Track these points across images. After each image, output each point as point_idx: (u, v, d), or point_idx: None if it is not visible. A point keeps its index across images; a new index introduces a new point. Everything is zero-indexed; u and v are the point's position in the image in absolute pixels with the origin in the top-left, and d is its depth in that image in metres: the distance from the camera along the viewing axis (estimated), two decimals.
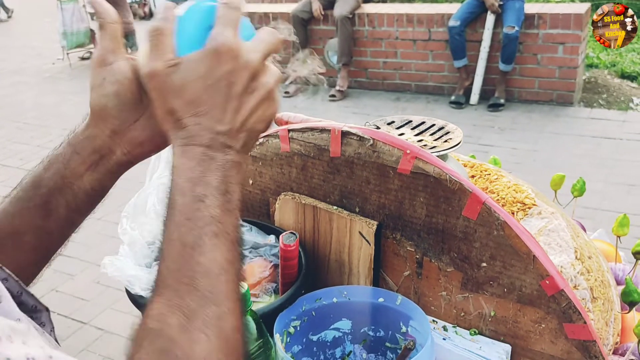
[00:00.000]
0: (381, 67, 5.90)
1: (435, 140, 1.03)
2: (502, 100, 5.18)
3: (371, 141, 0.94)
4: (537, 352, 0.88)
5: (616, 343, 0.99)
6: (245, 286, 0.80)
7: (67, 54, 7.83)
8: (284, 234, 0.97)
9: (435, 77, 5.68)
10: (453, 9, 5.53)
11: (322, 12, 5.89)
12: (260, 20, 6.12)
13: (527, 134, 4.63)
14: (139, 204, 1.02)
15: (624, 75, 5.75)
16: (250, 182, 1.15)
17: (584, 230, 1.20)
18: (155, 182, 1.03)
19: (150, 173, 1.04)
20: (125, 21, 7.74)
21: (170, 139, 0.56)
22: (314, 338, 0.99)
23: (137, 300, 0.90)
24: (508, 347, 0.90)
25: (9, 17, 12.42)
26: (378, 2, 6.61)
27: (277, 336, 0.89)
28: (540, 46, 5.08)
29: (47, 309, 0.55)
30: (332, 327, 1.00)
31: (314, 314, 0.97)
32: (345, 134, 0.96)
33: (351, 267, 1.02)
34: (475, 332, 0.92)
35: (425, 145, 1.01)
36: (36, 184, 0.64)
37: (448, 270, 0.93)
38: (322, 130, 0.99)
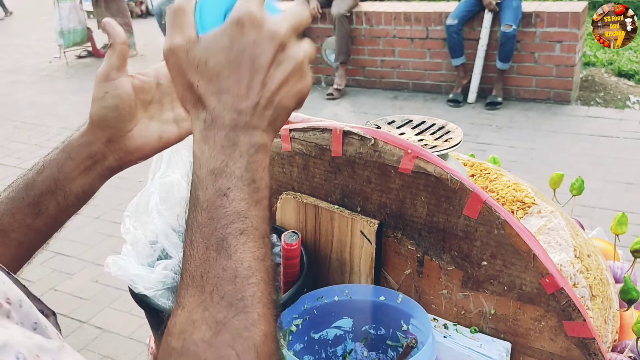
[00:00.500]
0: (379, 66, 5.90)
1: (436, 139, 1.04)
2: (499, 99, 5.19)
3: (372, 141, 0.94)
4: (537, 349, 0.89)
5: (615, 340, 1.00)
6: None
7: (64, 52, 7.81)
8: (285, 233, 0.98)
9: (433, 76, 5.68)
10: (451, 7, 5.54)
11: (320, 11, 5.89)
12: None
13: (524, 132, 4.64)
14: (141, 204, 1.02)
15: (621, 74, 5.77)
16: None
17: (583, 228, 1.21)
18: (157, 182, 1.04)
19: (153, 172, 1.05)
20: (124, 22, 7.74)
21: (192, 122, 0.53)
22: (316, 336, 1.00)
23: (140, 299, 0.91)
24: (508, 345, 0.90)
25: (7, 15, 12.39)
26: (375, 0, 6.61)
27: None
28: (538, 44, 5.09)
29: (54, 313, 0.55)
30: (333, 325, 1.00)
31: (315, 312, 0.98)
32: (346, 134, 0.97)
33: (352, 265, 1.03)
34: (475, 330, 0.93)
35: (426, 144, 1.01)
36: (29, 186, 0.69)
37: (449, 268, 0.94)
38: (324, 129, 1.00)
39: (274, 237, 1.07)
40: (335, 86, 5.83)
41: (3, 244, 0.67)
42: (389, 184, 0.95)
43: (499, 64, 5.12)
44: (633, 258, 1.08)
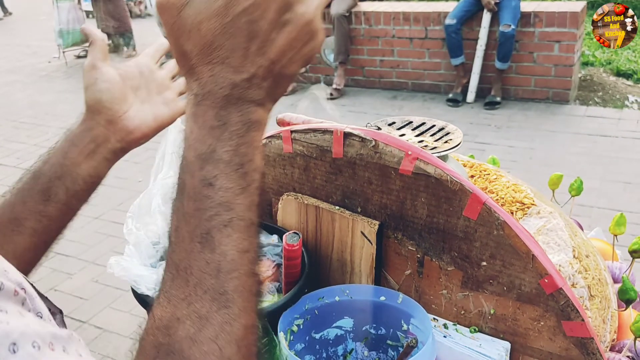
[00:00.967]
0: (378, 66, 5.91)
1: (436, 141, 1.05)
2: (498, 99, 5.20)
3: (373, 142, 0.95)
4: (536, 349, 0.90)
5: (613, 340, 1.01)
6: None
7: (63, 52, 7.81)
8: (287, 234, 0.99)
9: (432, 76, 5.69)
10: (449, 7, 5.54)
11: None
12: None
13: (523, 132, 4.65)
14: (143, 205, 1.03)
15: (619, 73, 5.78)
16: None
17: (582, 229, 1.22)
18: (159, 183, 1.04)
19: (155, 173, 1.05)
20: (123, 21, 7.74)
21: (187, 91, 0.49)
22: (317, 336, 1.00)
23: (143, 300, 0.92)
24: (507, 345, 0.91)
25: (6, 15, 12.38)
26: (374, 0, 6.61)
27: (281, 334, 0.90)
28: (537, 44, 5.10)
29: (60, 312, 0.56)
30: (334, 325, 1.01)
31: (316, 312, 0.99)
32: (347, 135, 0.98)
33: (353, 266, 1.04)
34: (475, 329, 0.94)
35: (426, 146, 1.02)
36: (36, 175, 0.72)
37: (449, 269, 0.94)
38: (325, 131, 1.01)
39: (276, 237, 1.08)
40: (334, 86, 5.84)
41: (18, 233, 0.69)
42: (389, 185, 0.96)
43: (498, 64, 5.13)
44: (631, 258, 1.09)
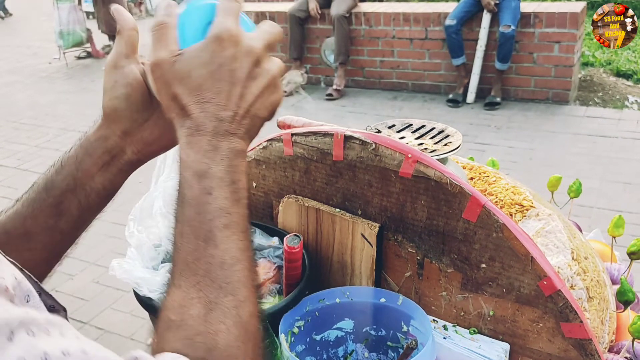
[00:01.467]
0: (378, 66, 5.92)
1: (436, 143, 1.05)
2: (498, 99, 5.21)
3: (373, 145, 0.96)
4: (535, 350, 0.90)
5: (611, 341, 1.01)
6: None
7: (64, 53, 7.82)
8: (287, 236, 0.99)
9: (432, 76, 5.70)
10: (449, 7, 5.55)
11: (319, 11, 5.90)
12: (257, 19, 6.13)
13: (523, 133, 4.66)
14: (145, 207, 1.04)
15: (619, 74, 5.79)
16: (254, 185, 1.17)
17: (580, 230, 1.22)
18: (161, 185, 1.05)
19: (156, 176, 1.06)
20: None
21: (176, 129, 0.56)
22: (318, 338, 1.01)
23: (145, 302, 0.92)
24: (507, 346, 0.92)
25: (6, 16, 12.39)
26: (375, 1, 6.63)
27: (282, 336, 0.91)
28: (536, 45, 5.11)
29: (64, 309, 0.57)
30: (335, 326, 1.02)
31: (317, 314, 0.99)
32: (347, 138, 0.99)
33: (353, 268, 1.04)
34: (474, 331, 0.95)
35: (425, 148, 1.03)
36: (48, 186, 0.67)
37: (448, 271, 0.95)
38: (325, 134, 1.01)
39: (277, 239, 1.09)
40: (334, 87, 5.85)
41: (28, 248, 0.66)
42: (389, 188, 0.97)
43: (498, 65, 5.14)
44: (630, 260, 1.10)
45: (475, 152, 4.27)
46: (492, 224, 0.88)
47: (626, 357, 0.96)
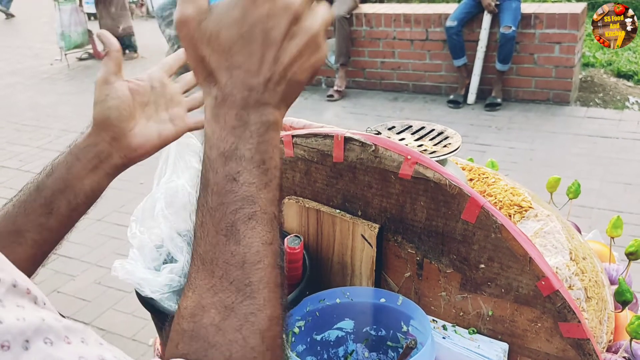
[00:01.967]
0: (379, 67, 5.93)
1: (435, 145, 1.06)
2: (499, 100, 5.21)
3: (373, 147, 0.97)
4: (533, 350, 0.91)
5: (610, 341, 1.02)
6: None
7: (65, 54, 7.84)
8: (288, 237, 1.00)
9: (433, 77, 5.71)
10: (450, 9, 5.56)
11: None
12: None
13: (524, 133, 4.66)
14: (147, 209, 1.05)
15: (620, 74, 5.79)
16: None
17: (579, 231, 1.23)
18: (163, 187, 1.06)
19: (158, 178, 1.07)
20: (125, 24, 7.77)
21: (204, 97, 0.52)
22: (318, 338, 1.02)
23: (147, 303, 0.93)
24: (505, 346, 0.93)
25: (8, 17, 12.42)
26: (375, 2, 6.63)
27: None
28: (537, 46, 5.11)
29: (62, 316, 0.57)
30: (335, 327, 1.03)
31: (317, 314, 1.00)
32: (347, 140, 0.99)
33: (354, 268, 1.05)
34: (473, 331, 0.96)
35: (425, 150, 1.04)
36: (40, 187, 0.74)
37: (447, 271, 0.96)
38: (326, 136, 1.02)
39: None
40: (335, 88, 5.86)
41: (19, 244, 0.71)
42: (389, 189, 0.98)
43: (499, 65, 5.14)
44: (628, 260, 1.10)
45: (476, 153, 4.27)
46: (490, 224, 0.88)
47: (624, 357, 0.97)
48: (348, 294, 1.01)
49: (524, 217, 1.03)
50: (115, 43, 0.77)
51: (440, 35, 5.46)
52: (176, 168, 1.06)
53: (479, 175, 1.16)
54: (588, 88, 5.52)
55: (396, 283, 1.04)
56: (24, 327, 0.35)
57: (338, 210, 1.05)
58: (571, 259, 0.98)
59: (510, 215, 1.04)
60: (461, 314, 0.97)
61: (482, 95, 5.31)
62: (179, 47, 0.72)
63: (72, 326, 0.38)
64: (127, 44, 7.91)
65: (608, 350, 1.00)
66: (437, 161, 0.97)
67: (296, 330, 0.98)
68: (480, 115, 5.13)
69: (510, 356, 0.93)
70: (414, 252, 0.99)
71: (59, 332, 0.37)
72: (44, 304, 0.40)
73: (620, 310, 1.04)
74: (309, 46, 0.50)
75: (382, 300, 0.99)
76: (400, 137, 1.11)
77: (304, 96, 5.98)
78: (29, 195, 0.73)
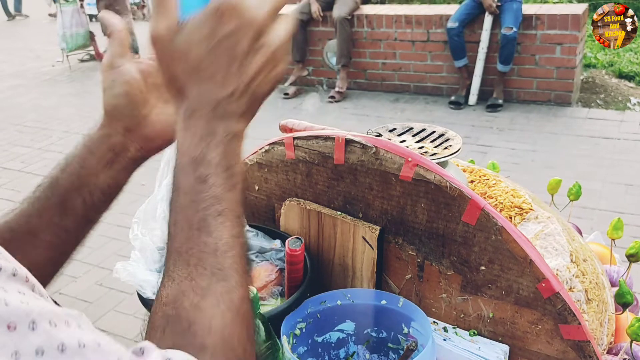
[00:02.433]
0: (380, 68, 5.93)
1: (436, 147, 1.06)
2: (500, 101, 5.21)
3: (374, 149, 0.97)
4: (533, 352, 0.91)
5: (610, 343, 1.02)
6: (254, 290, 0.83)
7: (67, 56, 7.85)
8: (289, 239, 1.01)
9: (434, 78, 5.71)
10: (451, 10, 5.56)
11: (321, 14, 5.92)
12: None
13: (525, 135, 4.66)
14: (149, 210, 1.05)
15: (621, 75, 5.79)
16: (257, 188, 1.18)
17: (580, 233, 1.23)
18: (165, 188, 1.06)
19: (160, 179, 1.07)
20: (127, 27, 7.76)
21: (175, 109, 0.55)
22: (319, 339, 1.02)
23: (149, 304, 0.94)
24: (506, 348, 0.93)
25: (9, 19, 12.45)
26: (377, 3, 6.64)
27: (284, 338, 0.92)
28: (538, 47, 5.11)
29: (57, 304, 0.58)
30: (336, 328, 1.03)
31: (319, 316, 1.00)
32: (349, 142, 1.00)
33: (355, 270, 1.06)
34: (474, 333, 0.96)
35: (426, 152, 1.04)
36: (53, 185, 0.68)
37: (448, 273, 0.96)
38: (327, 138, 1.03)
39: (279, 242, 1.10)
40: (336, 89, 5.86)
41: (33, 247, 0.67)
42: (390, 191, 0.98)
43: (500, 67, 5.15)
44: (628, 262, 1.10)
45: (477, 154, 4.27)
46: (491, 227, 0.89)
47: (625, 359, 0.97)
48: (349, 295, 1.01)
49: (524, 219, 1.03)
50: (117, 23, 0.70)
51: (442, 37, 5.46)
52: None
53: (479, 177, 1.16)
54: (589, 89, 5.52)
55: (397, 285, 1.04)
56: (28, 309, 0.37)
57: (339, 212, 1.05)
58: (572, 261, 0.98)
59: (510, 217, 1.04)
60: (462, 315, 0.97)
61: (483, 97, 5.32)
62: None
63: (70, 312, 0.40)
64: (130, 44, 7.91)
65: (608, 352, 1.00)
66: (437, 163, 0.97)
67: (297, 332, 0.98)
68: (482, 116, 5.13)
69: (510, 358, 0.94)
70: (414, 254, 0.99)
71: (59, 315, 0.38)
72: (41, 295, 0.41)
73: (620, 312, 1.04)
74: (271, 60, 0.54)
75: (383, 302, 1.00)
76: (401, 139, 1.11)
77: (305, 98, 5.99)
78: (42, 193, 0.68)
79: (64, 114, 6.08)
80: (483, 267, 0.92)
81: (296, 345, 0.98)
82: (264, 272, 1.04)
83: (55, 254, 0.70)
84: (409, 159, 0.94)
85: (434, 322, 0.99)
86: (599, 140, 4.44)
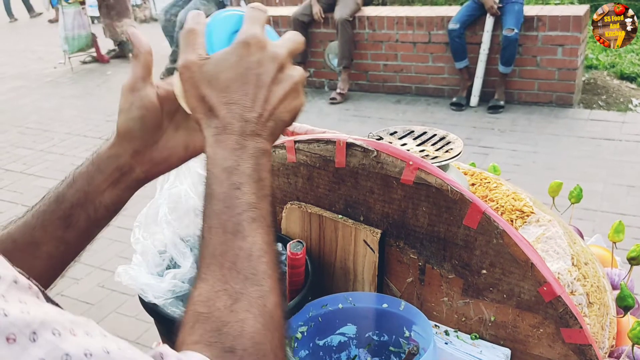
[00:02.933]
0: (381, 70, 5.93)
1: (437, 150, 1.07)
2: (501, 102, 5.21)
3: (375, 153, 0.97)
4: (535, 355, 0.91)
5: (612, 346, 1.02)
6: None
7: (69, 58, 7.86)
8: (291, 242, 1.01)
9: (435, 80, 5.71)
10: (453, 11, 5.56)
11: (323, 15, 5.92)
12: None
13: (526, 136, 4.66)
14: (150, 214, 1.05)
15: (623, 77, 5.78)
16: None
17: (581, 235, 1.23)
18: (166, 193, 1.07)
19: (161, 184, 1.08)
20: (127, 29, 7.79)
21: (203, 129, 0.59)
22: (321, 343, 1.02)
23: (150, 308, 0.94)
24: (508, 351, 0.93)
25: (11, 21, 12.48)
26: (378, 4, 6.64)
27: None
28: (540, 48, 5.11)
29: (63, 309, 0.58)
30: (337, 332, 1.03)
31: (320, 319, 1.01)
32: (350, 146, 1.00)
33: (356, 274, 1.06)
34: (476, 336, 0.96)
35: (427, 155, 1.04)
36: (59, 199, 0.70)
37: (449, 277, 0.96)
38: (328, 141, 1.03)
39: (279, 245, 1.10)
40: (338, 90, 5.86)
41: (34, 257, 0.69)
42: (391, 195, 0.98)
43: (501, 68, 5.14)
44: (630, 265, 1.10)
45: (479, 156, 4.27)
46: (492, 230, 0.89)
47: None
48: (350, 299, 1.01)
49: (525, 222, 1.03)
50: (145, 44, 0.70)
51: (443, 38, 5.46)
52: (179, 174, 1.06)
53: (480, 180, 1.16)
54: (591, 90, 5.51)
55: (398, 288, 1.04)
56: (29, 319, 0.36)
57: (340, 216, 1.05)
58: (573, 264, 0.98)
59: (512, 221, 1.04)
60: (463, 319, 0.97)
61: (484, 98, 5.32)
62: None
63: (76, 319, 0.40)
64: (130, 46, 7.94)
65: (610, 356, 1.00)
66: (438, 166, 0.97)
67: (299, 335, 0.98)
68: (483, 117, 5.13)
69: None
70: (416, 257, 0.99)
71: (64, 324, 0.38)
72: (47, 301, 0.41)
73: (622, 315, 1.04)
74: (292, 91, 0.60)
75: (385, 305, 1.00)
76: (402, 143, 1.11)
77: (306, 99, 5.98)
78: (48, 206, 0.70)
79: (65, 115, 6.09)
80: (484, 271, 0.92)
81: (298, 349, 0.98)
82: None
83: (54, 265, 0.72)
84: (410, 163, 0.94)
85: (436, 325, 0.99)
86: (601, 142, 4.44)
